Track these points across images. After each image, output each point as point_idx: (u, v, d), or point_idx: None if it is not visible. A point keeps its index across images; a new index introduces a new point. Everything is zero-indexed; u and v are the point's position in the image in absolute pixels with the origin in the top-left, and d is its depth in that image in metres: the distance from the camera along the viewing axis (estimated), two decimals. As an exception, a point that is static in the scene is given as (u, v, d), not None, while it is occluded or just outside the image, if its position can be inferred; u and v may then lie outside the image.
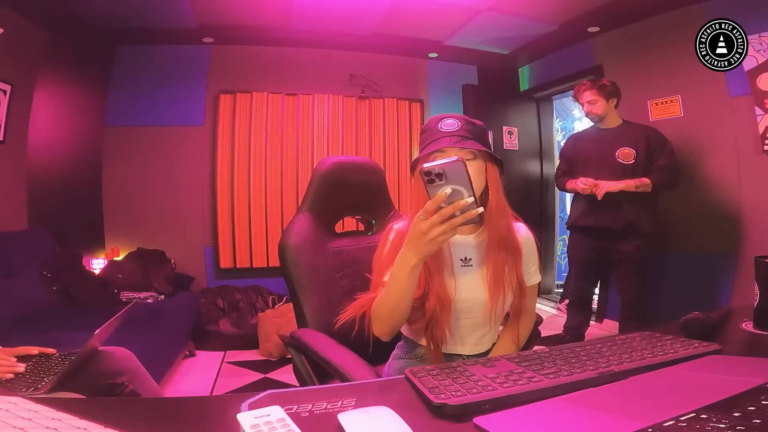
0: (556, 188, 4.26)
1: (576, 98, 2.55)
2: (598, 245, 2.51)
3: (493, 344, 1.11)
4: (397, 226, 1.05)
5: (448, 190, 0.76)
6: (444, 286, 0.98)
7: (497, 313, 1.04)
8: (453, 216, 0.78)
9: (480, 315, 1.03)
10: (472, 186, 0.77)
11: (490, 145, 1.03)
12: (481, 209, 0.79)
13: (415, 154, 3.65)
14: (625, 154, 2.41)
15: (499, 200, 1.02)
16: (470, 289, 1.02)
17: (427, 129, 1.02)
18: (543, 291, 4.30)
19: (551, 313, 3.83)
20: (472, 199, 0.77)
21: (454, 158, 0.77)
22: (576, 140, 2.65)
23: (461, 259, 1.03)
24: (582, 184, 2.41)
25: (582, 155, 2.54)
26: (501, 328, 1.14)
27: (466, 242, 1.05)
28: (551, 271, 4.29)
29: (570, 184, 2.52)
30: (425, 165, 0.77)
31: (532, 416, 0.55)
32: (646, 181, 2.35)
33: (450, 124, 0.99)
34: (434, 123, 1.01)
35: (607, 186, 2.34)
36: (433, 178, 0.76)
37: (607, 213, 2.42)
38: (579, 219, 2.55)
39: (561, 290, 4.09)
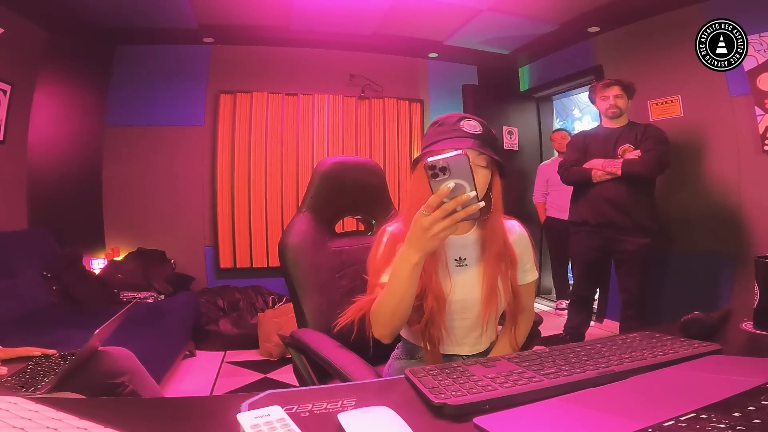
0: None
1: (595, 93, 2.55)
2: (601, 245, 2.51)
3: (492, 343, 1.10)
4: (390, 228, 1.04)
5: (451, 184, 0.76)
6: (440, 284, 0.97)
7: (492, 314, 1.03)
8: (454, 211, 0.78)
9: (475, 315, 1.03)
10: (474, 180, 0.77)
11: (501, 153, 1.03)
12: (482, 203, 0.79)
13: (415, 154, 3.65)
14: (624, 150, 2.43)
15: (497, 206, 1.01)
16: (465, 289, 1.01)
17: (446, 123, 0.99)
18: (543, 291, 4.30)
19: (551, 314, 3.82)
20: (474, 193, 0.77)
21: (458, 152, 0.76)
22: (585, 136, 2.66)
23: (456, 260, 1.02)
24: (601, 170, 2.44)
25: (589, 150, 2.55)
26: (500, 327, 1.14)
27: (459, 242, 1.04)
28: (551, 271, 4.28)
29: (583, 173, 2.51)
30: (430, 159, 0.76)
31: (532, 416, 0.55)
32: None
33: (473, 126, 0.97)
34: (455, 119, 0.98)
35: (615, 163, 2.39)
36: (437, 172, 0.76)
37: (609, 208, 2.42)
38: (583, 215, 2.55)
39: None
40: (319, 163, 1.39)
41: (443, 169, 0.76)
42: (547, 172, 3.77)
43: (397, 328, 0.95)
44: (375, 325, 0.94)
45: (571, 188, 3.23)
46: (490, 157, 0.96)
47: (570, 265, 3.77)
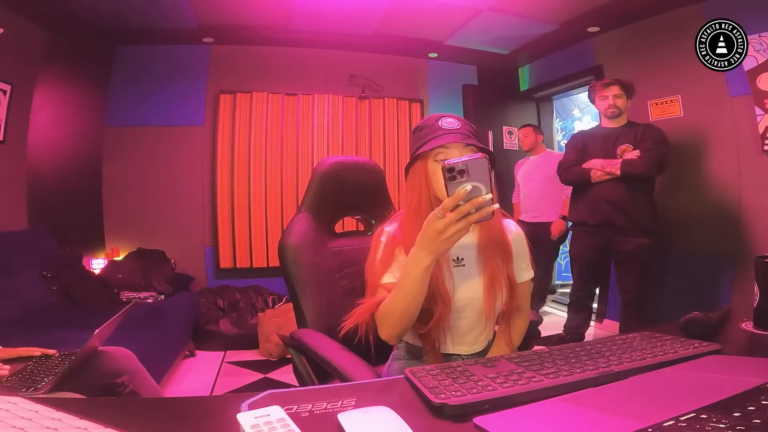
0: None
1: (594, 93, 2.55)
2: (600, 245, 2.51)
3: (489, 342, 1.10)
4: (387, 228, 1.04)
5: (468, 186, 0.75)
6: (446, 287, 0.98)
7: (492, 312, 1.04)
8: (469, 213, 0.77)
9: (475, 314, 1.03)
10: (491, 183, 0.76)
11: (487, 146, 1.04)
12: (496, 206, 0.78)
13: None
14: (624, 150, 2.44)
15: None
16: (465, 288, 1.02)
17: (426, 126, 1.01)
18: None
19: (551, 313, 3.83)
20: (490, 195, 0.76)
21: (478, 155, 0.76)
22: (584, 136, 2.66)
23: (453, 260, 1.03)
24: (600, 170, 2.44)
25: (588, 150, 2.56)
26: (497, 327, 1.14)
27: (456, 243, 1.04)
28: (551, 272, 4.28)
29: (582, 173, 2.51)
30: (448, 161, 0.76)
31: (532, 416, 0.55)
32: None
33: (451, 123, 0.99)
34: (433, 120, 1.01)
35: (614, 163, 2.39)
36: (455, 174, 0.75)
37: (608, 208, 2.42)
38: (582, 215, 2.55)
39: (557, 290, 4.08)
40: (319, 163, 1.39)
41: (461, 172, 0.75)
42: (517, 172, 3.61)
43: (406, 330, 0.95)
44: (383, 327, 0.94)
45: (537, 191, 3.24)
46: (476, 146, 0.97)
47: (550, 267, 3.75)
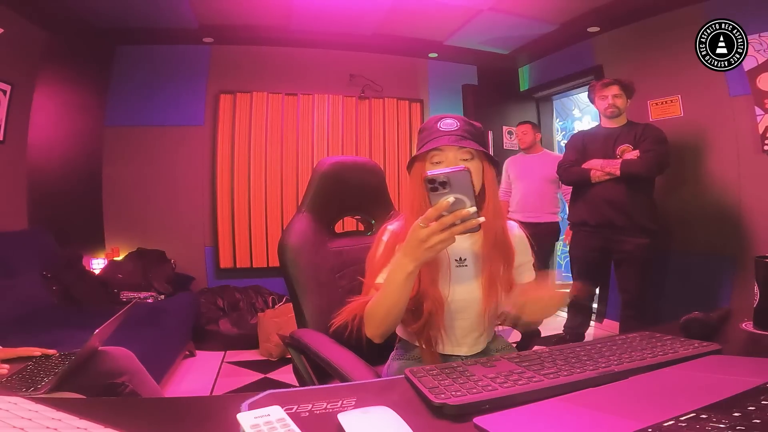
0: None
1: (594, 92, 2.54)
2: (600, 245, 2.51)
3: (489, 343, 1.10)
4: (391, 227, 1.05)
5: (451, 198, 0.76)
6: (437, 287, 0.98)
7: (491, 314, 1.04)
8: (453, 225, 0.78)
9: (474, 316, 1.03)
10: (475, 196, 0.77)
11: (487, 147, 1.03)
12: (482, 219, 0.78)
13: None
14: (623, 150, 2.44)
15: (495, 201, 1.02)
16: (464, 289, 1.02)
17: (426, 128, 1.03)
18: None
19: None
20: (474, 209, 0.77)
21: (460, 167, 0.77)
22: (584, 136, 2.66)
23: (456, 260, 1.03)
24: (599, 170, 2.43)
25: (587, 150, 2.55)
26: (499, 328, 1.15)
27: (460, 243, 1.03)
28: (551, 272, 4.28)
29: (582, 173, 2.50)
30: (430, 173, 0.76)
31: (532, 416, 0.55)
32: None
33: (449, 124, 1.00)
34: (433, 122, 1.02)
35: (614, 163, 2.39)
36: (437, 186, 0.76)
37: (608, 209, 2.42)
38: (582, 215, 2.55)
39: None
40: (319, 163, 1.39)
41: (443, 184, 0.76)
42: (509, 168, 3.41)
43: (389, 330, 0.96)
44: (368, 326, 0.95)
45: (535, 191, 3.21)
46: (473, 148, 0.98)
47: (548, 267, 3.70)
